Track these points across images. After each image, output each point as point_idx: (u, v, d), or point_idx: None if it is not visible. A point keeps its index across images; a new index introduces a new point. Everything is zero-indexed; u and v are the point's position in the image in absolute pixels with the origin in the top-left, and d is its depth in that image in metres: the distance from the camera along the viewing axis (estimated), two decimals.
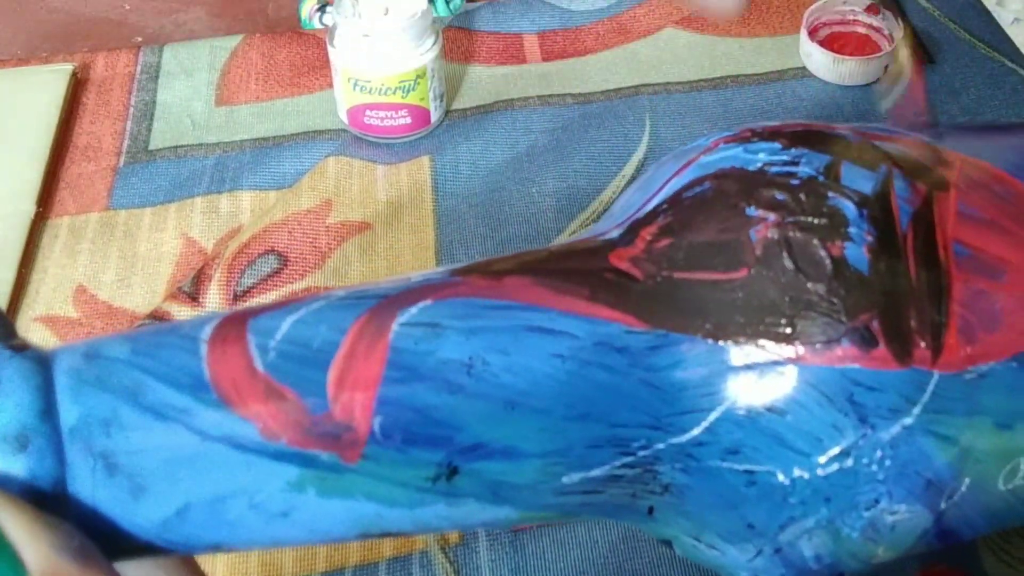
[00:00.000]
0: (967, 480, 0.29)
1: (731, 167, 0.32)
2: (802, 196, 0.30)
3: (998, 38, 0.73)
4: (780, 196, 0.30)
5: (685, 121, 0.68)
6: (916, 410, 0.29)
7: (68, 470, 0.26)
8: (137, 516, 0.27)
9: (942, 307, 0.29)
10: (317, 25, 0.84)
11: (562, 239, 0.61)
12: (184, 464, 0.27)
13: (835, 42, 0.71)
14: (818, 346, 0.29)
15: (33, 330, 0.57)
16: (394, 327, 0.29)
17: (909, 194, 0.31)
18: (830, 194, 0.30)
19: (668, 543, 0.33)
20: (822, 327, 0.29)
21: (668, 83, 0.71)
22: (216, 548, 0.28)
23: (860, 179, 0.31)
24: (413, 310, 0.29)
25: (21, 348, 0.27)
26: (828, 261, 0.29)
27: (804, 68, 0.71)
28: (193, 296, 0.58)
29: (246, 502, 0.27)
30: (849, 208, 0.30)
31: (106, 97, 0.71)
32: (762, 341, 0.29)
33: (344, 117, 0.67)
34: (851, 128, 0.33)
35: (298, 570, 0.47)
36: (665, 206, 0.32)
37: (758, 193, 0.30)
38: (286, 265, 0.60)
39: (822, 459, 0.29)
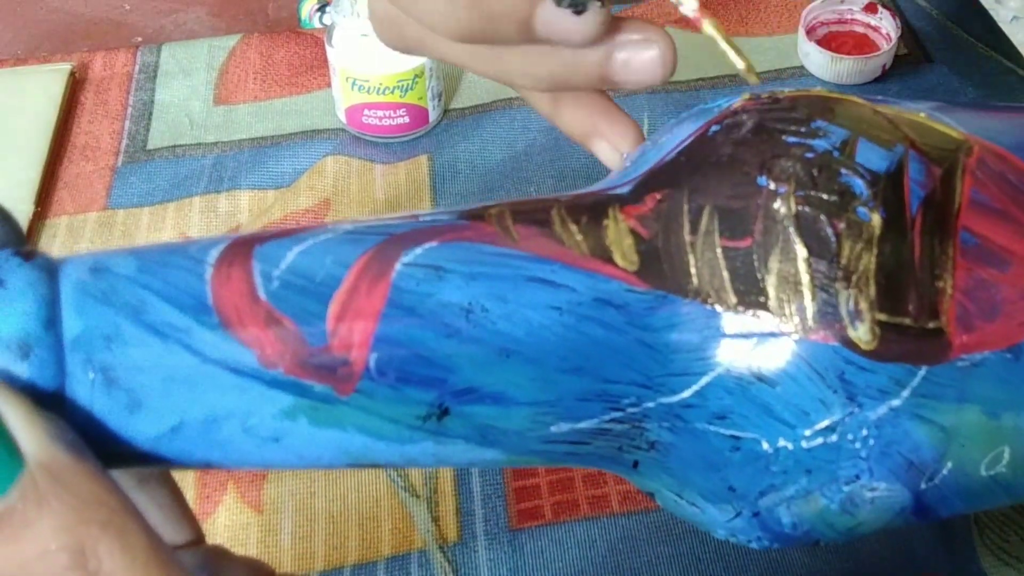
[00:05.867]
0: (949, 464, 0.29)
1: (750, 133, 0.31)
2: (815, 171, 0.30)
3: (996, 38, 0.73)
4: (793, 168, 0.30)
5: None
6: (905, 393, 0.29)
7: (67, 380, 0.26)
8: (131, 430, 0.27)
9: (942, 293, 0.29)
10: (317, 25, 0.84)
11: None
12: (181, 383, 0.27)
13: (833, 41, 0.71)
14: (814, 322, 0.29)
15: None
16: (397, 266, 0.29)
17: (923, 178, 0.30)
18: (843, 171, 0.30)
19: (650, 494, 0.33)
20: (820, 304, 0.29)
21: (666, 82, 0.71)
22: (207, 465, 0.29)
23: (875, 157, 0.30)
24: (418, 250, 0.29)
25: (30, 255, 0.28)
26: (833, 238, 0.29)
27: (802, 67, 0.71)
28: None
29: (238, 425, 0.28)
30: (859, 186, 0.30)
31: (104, 97, 0.71)
32: (759, 312, 0.29)
33: (342, 116, 0.67)
34: (869, 100, 0.33)
35: (296, 568, 0.47)
36: (679, 165, 0.32)
37: (772, 163, 0.30)
38: None
39: (807, 432, 0.29)
